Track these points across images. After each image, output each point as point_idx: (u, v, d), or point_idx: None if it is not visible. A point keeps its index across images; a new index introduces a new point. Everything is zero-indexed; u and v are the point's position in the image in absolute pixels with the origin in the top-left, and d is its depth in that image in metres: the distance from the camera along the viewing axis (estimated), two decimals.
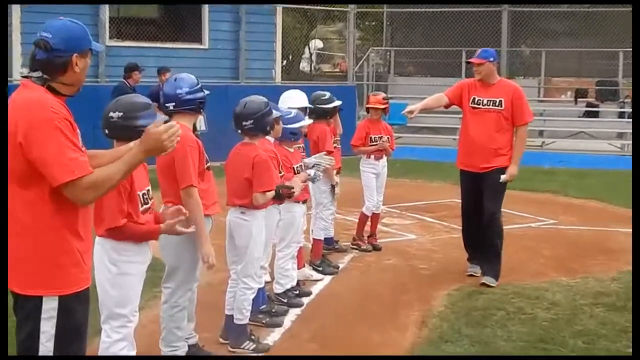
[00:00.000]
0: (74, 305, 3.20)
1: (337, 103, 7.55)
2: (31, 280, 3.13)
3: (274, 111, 5.42)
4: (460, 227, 7.48)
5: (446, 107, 7.42)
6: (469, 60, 7.16)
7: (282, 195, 5.42)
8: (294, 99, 6.73)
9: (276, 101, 5.81)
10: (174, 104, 4.71)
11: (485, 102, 6.96)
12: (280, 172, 5.58)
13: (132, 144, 3.36)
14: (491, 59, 7.00)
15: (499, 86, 7.03)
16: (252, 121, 5.21)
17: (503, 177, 6.89)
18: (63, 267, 3.16)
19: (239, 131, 5.30)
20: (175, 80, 4.81)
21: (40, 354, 3.14)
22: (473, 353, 5.28)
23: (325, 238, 7.70)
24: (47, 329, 3.15)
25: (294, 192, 5.53)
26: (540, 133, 17.89)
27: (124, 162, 3.17)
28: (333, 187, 7.44)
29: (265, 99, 5.36)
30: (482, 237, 7.04)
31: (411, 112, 7.16)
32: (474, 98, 7.00)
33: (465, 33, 18.30)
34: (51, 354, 3.15)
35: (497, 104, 6.92)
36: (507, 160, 6.95)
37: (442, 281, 7.04)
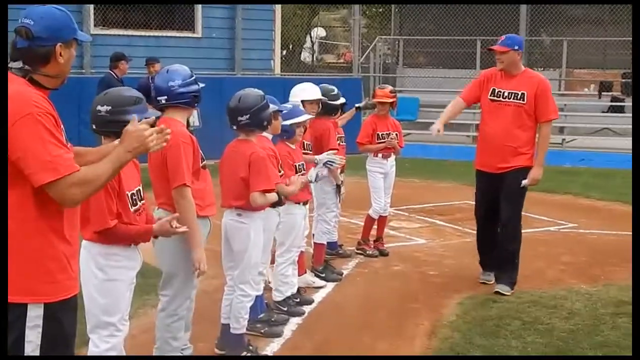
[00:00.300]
0: (60, 313, 3.22)
1: (343, 100, 7.65)
2: (15, 286, 3.13)
3: (271, 105, 5.46)
4: (474, 232, 7.57)
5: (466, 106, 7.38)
6: (491, 47, 6.99)
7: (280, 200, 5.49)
8: (307, 92, 6.83)
9: (275, 94, 5.85)
10: (165, 97, 4.72)
11: (505, 94, 6.84)
12: (280, 171, 5.64)
13: (116, 142, 3.36)
14: (516, 47, 6.83)
15: (522, 77, 6.88)
16: (247, 116, 5.23)
17: (524, 182, 6.80)
18: (49, 273, 3.17)
19: (234, 127, 5.33)
20: (167, 72, 4.82)
21: None
22: None
23: (328, 242, 7.78)
24: (33, 338, 3.17)
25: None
26: (561, 130, 17.96)
27: (110, 161, 3.18)
28: (338, 187, 7.51)
29: (261, 92, 5.37)
30: (497, 243, 7.07)
31: (438, 130, 7.01)
32: (494, 90, 6.89)
33: (481, 21, 18.38)
34: None
35: (519, 97, 6.79)
36: (527, 160, 6.85)
37: (454, 289, 7.12)
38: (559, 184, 12.85)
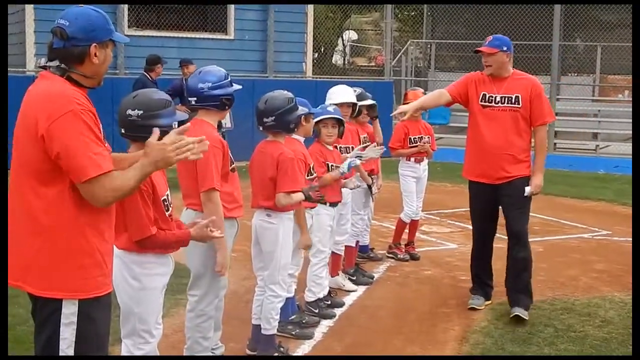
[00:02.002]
0: (94, 311, 3.25)
1: (368, 102, 7.44)
2: (50, 282, 3.18)
3: (300, 108, 5.44)
4: (506, 237, 7.38)
5: (447, 105, 6.94)
6: (478, 49, 6.44)
7: (312, 198, 5.49)
8: (337, 94, 6.78)
9: (306, 97, 5.85)
10: (195, 99, 4.75)
11: (498, 99, 6.36)
12: (310, 174, 5.64)
13: (142, 152, 3.37)
14: (504, 48, 6.35)
15: (513, 80, 6.41)
16: (273, 118, 5.24)
17: (528, 190, 6.35)
18: (83, 269, 3.20)
19: (261, 128, 5.36)
20: (200, 73, 4.83)
21: None
22: None
23: (360, 246, 7.78)
24: (67, 335, 3.20)
25: (322, 196, 5.59)
26: (595, 136, 17.81)
27: (135, 170, 3.20)
28: (369, 187, 7.49)
29: (289, 94, 5.37)
30: (509, 262, 6.56)
31: (403, 113, 6.62)
32: (484, 95, 6.41)
33: (514, 25, 18.25)
34: None
35: (513, 101, 6.33)
36: (527, 168, 6.41)
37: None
38: (593, 190, 12.76)
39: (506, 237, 6.56)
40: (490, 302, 6.66)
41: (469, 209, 6.81)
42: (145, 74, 12.16)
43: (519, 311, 6.28)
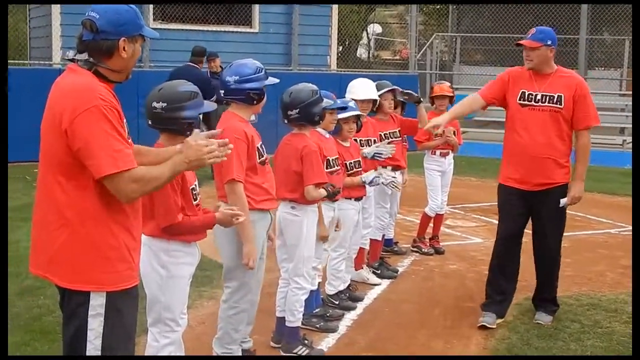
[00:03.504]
0: (121, 303, 3.28)
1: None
2: (77, 274, 3.20)
3: (325, 100, 5.43)
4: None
5: (483, 109, 6.46)
6: (520, 42, 5.96)
7: (332, 194, 5.49)
8: (358, 90, 6.66)
9: (331, 90, 5.83)
10: (223, 92, 4.77)
11: (538, 97, 5.90)
12: (332, 167, 5.63)
13: (178, 147, 3.41)
14: (549, 42, 5.86)
15: (556, 77, 5.94)
16: (297, 110, 5.24)
17: (564, 201, 5.95)
18: (109, 262, 3.22)
19: (285, 121, 5.36)
20: (231, 66, 4.84)
21: (87, 352, 3.23)
22: None
23: (385, 239, 7.77)
24: (95, 326, 3.22)
25: (338, 192, 5.59)
26: (622, 130, 17.64)
27: (168, 166, 3.22)
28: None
29: (314, 87, 5.36)
30: (540, 277, 6.29)
31: (437, 126, 6.18)
32: (524, 92, 5.94)
33: (540, 17, 18.09)
34: (98, 352, 3.24)
35: (555, 100, 5.86)
36: (567, 174, 5.97)
37: None
38: (620, 186, 12.64)
39: (529, 231, 6.31)
40: (503, 319, 6.18)
41: (497, 212, 6.38)
42: (191, 64, 12.18)
43: (539, 318, 6.18)
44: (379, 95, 6.90)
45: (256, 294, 5.05)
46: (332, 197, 5.52)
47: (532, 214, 6.11)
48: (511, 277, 6.26)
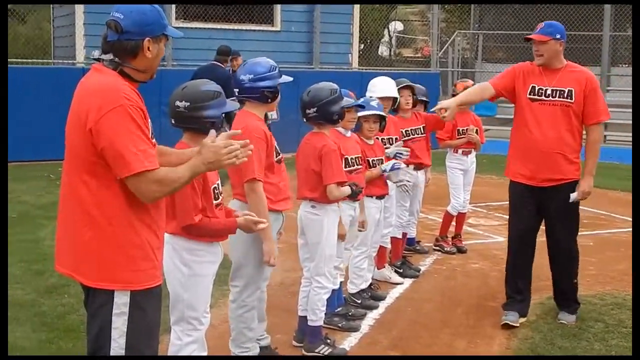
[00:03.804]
0: (145, 302, 3.29)
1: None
2: (101, 273, 3.22)
3: (345, 99, 5.41)
4: None
5: (491, 99, 6.34)
6: (529, 36, 5.92)
7: (355, 193, 5.49)
8: (377, 88, 6.70)
9: (352, 88, 5.82)
10: (238, 90, 4.77)
11: (549, 92, 5.85)
12: (350, 166, 5.64)
13: (196, 148, 3.41)
14: (558, 36, 5.82)
15: (566, 72, 5.90)
16: (315, 109, 5.24)
17: (574, 196, 5.87)
18: (132, 261, 3.24)
19: (304, 119, 5.37)
20: (245, 64, 4.85)
21: (112, 350, 3.25)
22: None
23: (407, 238, 7.75)
24: (119, 325, 3.24)
25: (361, 191, 5.59)
26: None
27: (188, 169, 3.23)
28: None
29: (334, 86, 5.35)
30: (553, 269, 6.22)
31: (444, 109, 6.02)
32: (534, 87, 5.90)
33: (563, 14, 17.97)
34: (122, 351, 3.26)
35: (565, 95, 5.81)
36: (577, 171, 5.92)
37: (534, 288, 6.92)
38: None
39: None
40: (525, 318, 6.13)
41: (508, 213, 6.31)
42: (216, 62, 12.23)
43: (562, 317, 6.12)
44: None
45: (263, 290, 5.06)
46: (354, 196, 5.52)
47: (542, 211, 6.06)
48: (524, 275, 6.21)
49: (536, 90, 5.90)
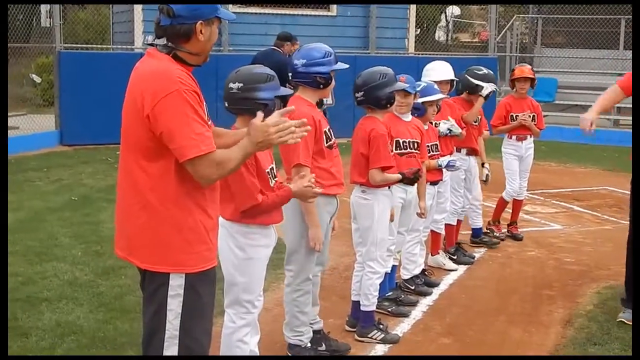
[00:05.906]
0: (199, 284, 3.32)
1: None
2: (157, 256, 3.26)
3: (398, 84, 5.37)
4: (614, 219, 6.88)
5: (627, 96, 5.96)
6: None
7: (410, 179, 5.47)
8: (436, 72, 6.70)
9: (409, 73, 5.79)
10: (291, 75, 4.78)
11: None
12: (401, 149, 5.62)
13: (246, 129, 3.39)
14: None
15: None
16: (362, 93, 5.23)
17: None
18: (188, 244, 3.26)
19: (356, 103, 5.36)
20: (299, 50, 4.85)
21: (167, 331, 3.29)
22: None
23: (472, 229, 7.81)
24: (174, 307, 3.28)
25: (419, 177, 5.57)
26: None
27: (239, 149, 3.23)
28: (483, 164, 7.48)
29: (385, 70, 5.30)
30: (627, 270, 5.78)
31: (589, 123, 5.76)
32: None
33: None
34: (177, 332, 3.29)
35: None
36: None
37: (592, 277, 6.89)
38: None
39: (626, 222, 5.93)
40: None
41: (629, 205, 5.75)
42: (275, 48, 12.29)
43: (623, 317, 5.74)
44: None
45: (317, 275, 5.07)
46: (412, 182, 5.50)
47: None
48: None
49: None
